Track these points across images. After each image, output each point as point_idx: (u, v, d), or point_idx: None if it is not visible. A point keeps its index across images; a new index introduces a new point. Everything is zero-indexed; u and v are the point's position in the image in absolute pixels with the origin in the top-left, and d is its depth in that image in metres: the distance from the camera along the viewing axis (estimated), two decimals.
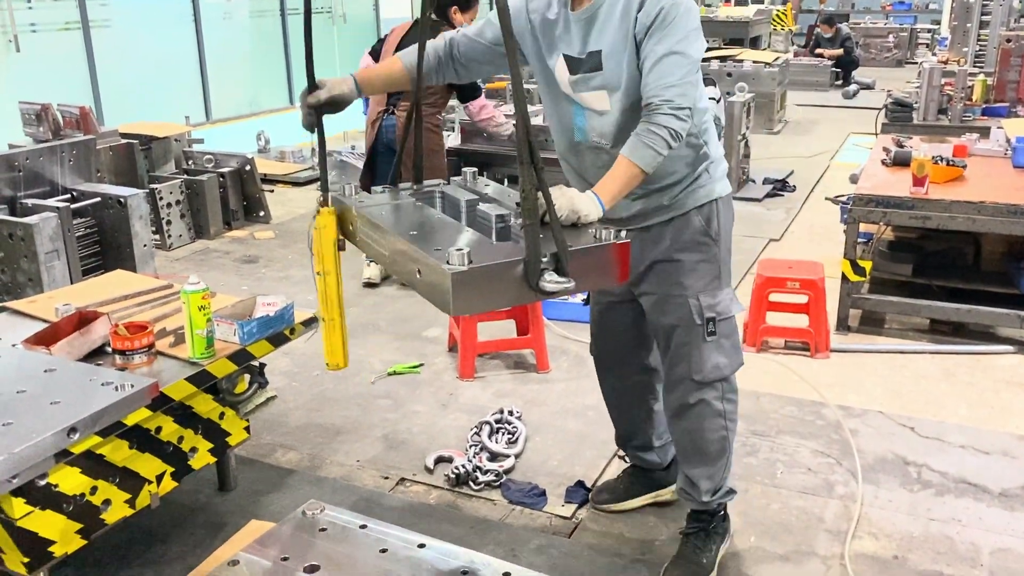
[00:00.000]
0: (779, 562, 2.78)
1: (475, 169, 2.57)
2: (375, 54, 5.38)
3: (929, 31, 16.32)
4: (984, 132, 5.49)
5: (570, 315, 4.64)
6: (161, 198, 5.96)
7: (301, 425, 3.66)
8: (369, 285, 5.26)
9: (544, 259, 1.88)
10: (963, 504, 3.07)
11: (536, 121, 5.40)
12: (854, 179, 6.92)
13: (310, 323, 2.99)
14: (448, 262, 1.83)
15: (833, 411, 3.69)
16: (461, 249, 1.84)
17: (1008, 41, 7.08)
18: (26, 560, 2.26)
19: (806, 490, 3.16)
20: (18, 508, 2.20)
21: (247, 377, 2.98)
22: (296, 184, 7.83)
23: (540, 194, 1.91)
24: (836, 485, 3.19)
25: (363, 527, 2.10)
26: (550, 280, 1.88)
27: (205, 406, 2.81)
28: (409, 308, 4.85)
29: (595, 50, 2.32)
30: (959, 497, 3.11)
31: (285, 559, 1.96)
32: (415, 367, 4.17)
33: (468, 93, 5.29)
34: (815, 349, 4.28)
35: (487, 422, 3.53)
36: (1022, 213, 4.11)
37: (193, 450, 2.78)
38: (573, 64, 2.36)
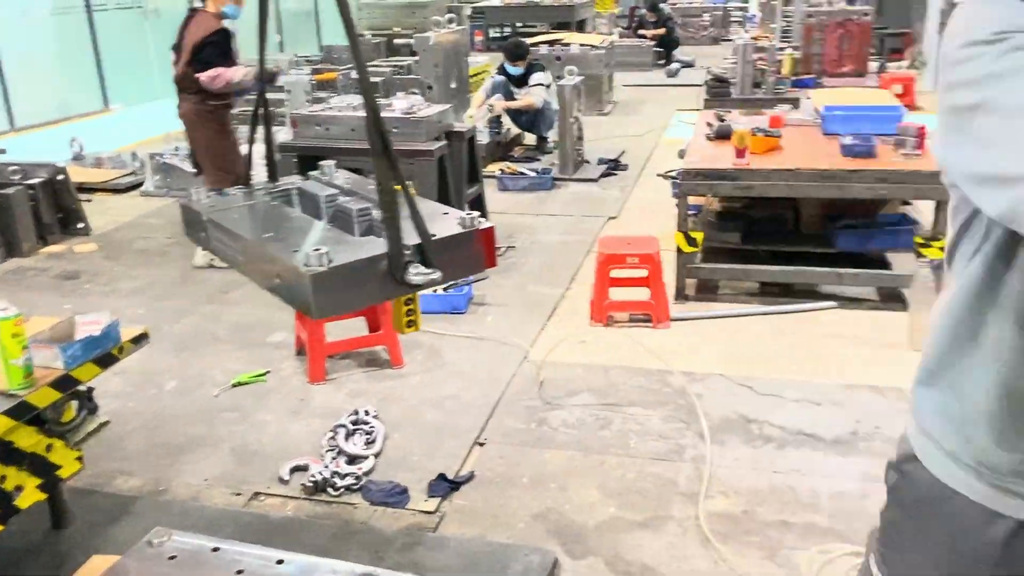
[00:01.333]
0: (639, 529, 2.87)
1: (333, 162, 2.46)
2: (176, 49, 5.25)
3: (740, 9, 17.27)
4: (795, 103, 5.87)
5: (421, 306, 4.58)
6: None
7: (141, 448, 3.44)
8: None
9: (408, 251, 1.84)
10: (801, 454, 3.27)
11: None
12: (682, 154, 7.23)
13: (140, 340, 2.80)
14: (307, 263, 1.75)
15: (678, 378, 3.84)
16: (319, 249, 1.76)
17: (810, 17, 7.59)
18: None
19: (659, 456, 3.28)
20: None
21: (74, 404, 2.76)
22: (116, 191, 7.33)
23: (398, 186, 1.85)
24: (686, 449, 3.33)
25: (216, 550, 1.98)
26: (416, 272, 1.83)
27: (28, 440, 2.58)
28: (250, 314, 4.66)
29: None
30: (798, 448, 3.31)
31: None
32: (261, 375, 4.00)
33: (201, 67, 5.16)
34: (657, 320, 4.44)
35: (342, 424, 3.44)
36: (832, 177, 4.41)
37: (18, 488, 2.55)
38: None
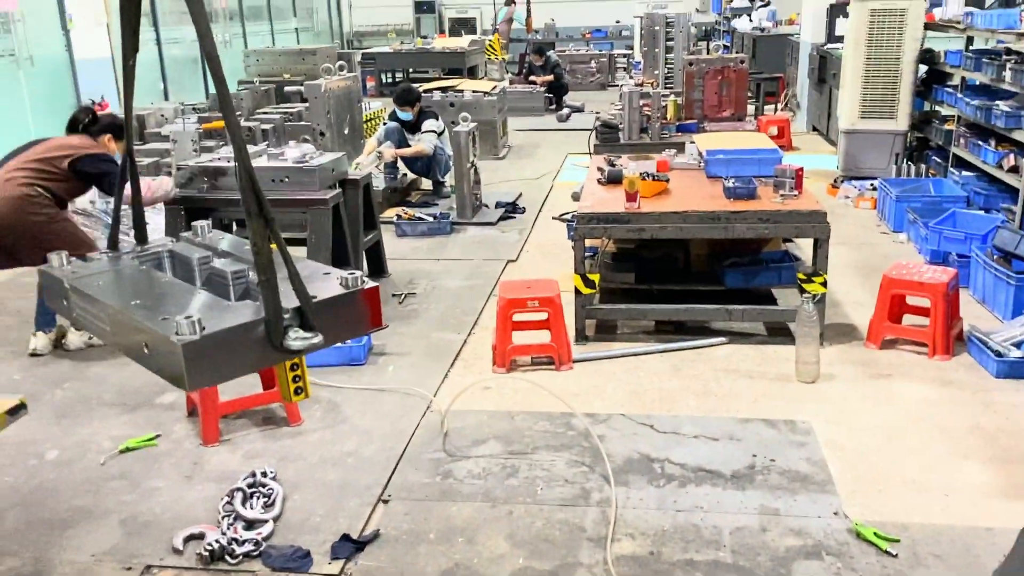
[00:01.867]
0: None
1: (207, 222, 2.39)
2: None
3: (624, 56, 17.89)
4: (680, 147, 6.08)
5: (317, 360, 4.48)
6: None
7: (19, 526, 3.21)
8: (35, 355, 4.79)
9: (287, 315, 1.78)
10: (703, 491, 3.34)
11: (257, 163, 5.19)
12: (576, 197, 7.38)
13: (16, 411, 2.63)
14: (177, 332, 1.67)
15: (581, 420, 3.87)
16: (190, 316, 1.69)
17: (691, 64, 7.92)
18: None
19: (565, 502, 3.28)
20: None
21: None
22: None
23: (275, 246, 1.81)
24: (592, 492, 3.34)
25: None
26: (296, 337, 1.78)
27: None
28: (137, 375, 4.43)
29: None
30: (699, 485, 3.38)
31: None
32: (151, 439, 3.82)
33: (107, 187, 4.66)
34: (559, 362, 4.48)
35: (239, 488, 3.30)
36: (718, 218, 4.58)
37: None
38: None
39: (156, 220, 5.26)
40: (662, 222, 4.64)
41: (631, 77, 10.94)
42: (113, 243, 2.29)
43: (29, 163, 4.54)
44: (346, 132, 8.23)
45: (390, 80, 17.30)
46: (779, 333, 4.81)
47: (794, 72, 12.03)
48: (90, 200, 6.94)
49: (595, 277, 4.81)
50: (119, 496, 3.40)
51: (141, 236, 2.30)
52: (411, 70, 17.14)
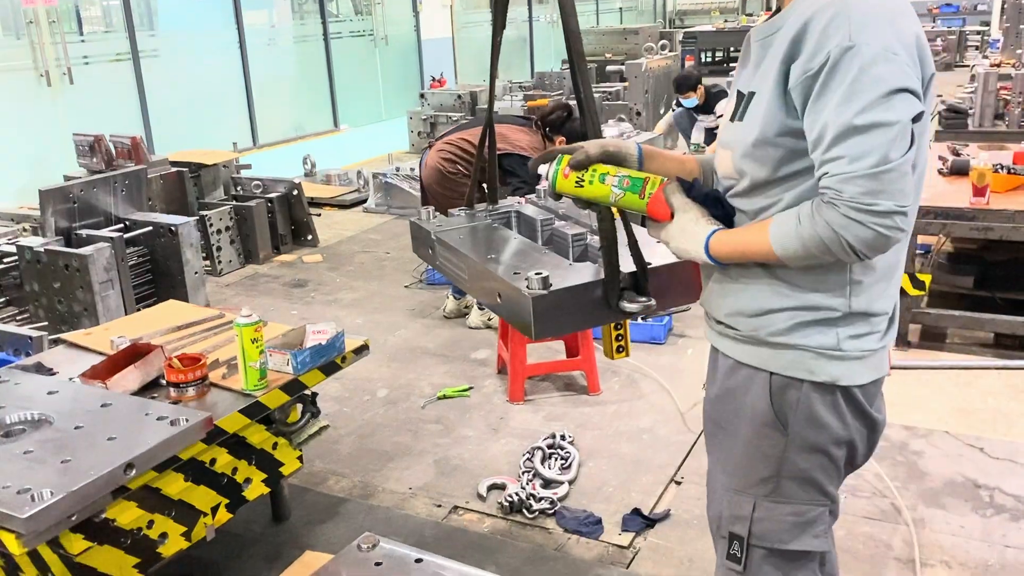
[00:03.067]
0: None
1: None
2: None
3: (979, 33, 15.97)
4: None
5: None
6: (211, 225, 6.04)
7: (352, 452, 3.65)
8: (446, 318, 5.08)
9: (622, 278, 1.86)
10: None
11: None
12: None
13: (360, 351, 2.98)
14: (528, 286, 1.82)
15: (897, 431, 3.57)
16: (540, 272, 1.83)
17: None
18: None
19: (872, 516, 3.05)
20: (77, 544, 2.20)
21: (299, 407, 2.97)
22: (342, 207, 7.89)
23: (617, 213, 1.87)
24: (903, 510, 3.07)
25: (419, 560, 2.05)
26: (630, 300, 1.86)
27: (258, 436, 2.80)
28: (457, 330, 4.83)
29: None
30: None
31: None
32: (464, 391, 4.14)
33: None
34: None
35: (539, 447, 3.48)
36: None
37: (247, 481, 2.78)
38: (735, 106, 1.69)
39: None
40: (1016, 222, 4.09)
41: (985, 57, 9.73)
42: (470, 201, 2.53)
43: (462, 139, 4.73)
44: (662, 112, 8.22)
45: (710, 59, 16.97)
46: None
47: None
48: (395, 168, 7.60)
49: (926, 278, 4.38)
50: (434, 439, 3.72)
51: (493, 197, 2.51)
52: (732, 49, 16.66)
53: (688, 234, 1.66)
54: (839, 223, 1.47)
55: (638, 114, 7.89)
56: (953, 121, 6.69)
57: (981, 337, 4.46)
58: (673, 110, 7.95)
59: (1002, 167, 4.48)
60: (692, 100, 7.69)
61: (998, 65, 8.17)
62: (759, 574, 1.78)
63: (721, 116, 7.57)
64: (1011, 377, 4.05)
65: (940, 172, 4.88)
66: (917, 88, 1.48)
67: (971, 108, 6.69)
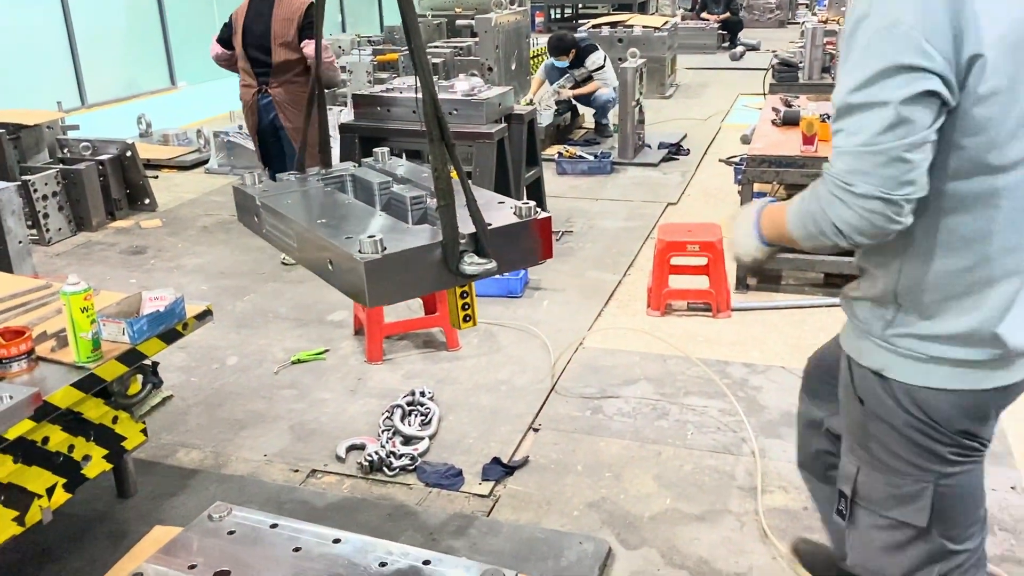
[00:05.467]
0: (695, 522, 2.83)
1: (386, 148, 2.47)
2: (223, 42, 5.24)
3: None
4: None
5: (477, 290, 4.57)
6: (35, 190, 5.59)
7: (202, 422, 3.51)
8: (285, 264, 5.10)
9: (463, 240, 1.81)
10: None
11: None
12: (745, 139, 7.11)
13: (203, 316, 2.85)
14: (360, 250, 1.74)
15: (738, 369, 3.77)
16: (373, 236, 1.75)
17: None
18: None
19: (716, 449, 3.23)
20: None
21: (140, 377, 2.81)
22: (182, 168, 7.48)
23: (454, 173, 1.83)
24: (744, 442, 3.27)
25: (274, 526, 2.01)
26: (470, 262, 1.80)
27: (96, 411, 2.64)
28: (311, 292, 4.71)
29: None
30: None
31: (193, 567, 1.86)
32: (320, 353, 4.05)
33: (305, 33, 4.96)
34: (717, 309, 4.36)
35: (399, 405, 3.46)
36: None
37: (86, 458, 2.62)
38: None
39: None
40: None
41: (814, 14, 10.29)
42: (300, 165, 2.40)
43: None
44: (513, 67, 8.24)
45: (559, 16, 17.10)
46: None
47: None
48: (238, 127, 7.31)
49: None
50: (289, 404, 3.63)
51: (326, 160, 2.39)
52: (580, 5, 16.85)
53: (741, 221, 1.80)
54: (825, 199, 1.48)
55: (490, 69, 7.86)
56: (785, 74, 7.05)
57: (812, 278, 4.77)
58: (545, 61, 8.14)
59: (828, 117, 4.76)
60: (564, 62, 7.89)
61: (824, 22, 8.66)
62: (865, 535, 1.82)
63: (591, 68, 7.75)
64: (839, 314, 4.34)
65: (773, 123, 5.14)
66: (925, 64, 1.37)
67: (801, 62, 7.06)
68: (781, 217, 1.67)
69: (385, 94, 5.38)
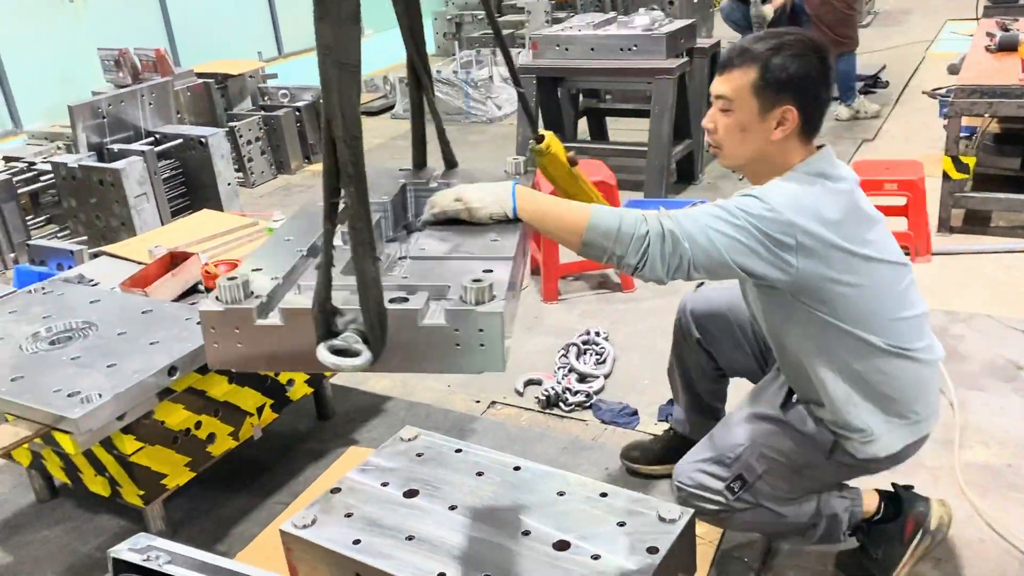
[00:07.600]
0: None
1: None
2: None
3: None
4: None
5: None
6: (240, 136, 6.02)
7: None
8: None
9: (344, 316, 1.35)
10: None
11: (606, 30, 5.18)
12: (953, 69, 6.49)
13: None
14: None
15: (938, 316, 3.52)
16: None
17: None
18: (141, 493, 2.37)
19: None
20: (129, 444, 2.29)
21: None
22: (370, 114, 7.81)
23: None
24: (942, 393, 3.06)
25: (459, 451, 2.11)
26: (331, 347, 1.34)
27: None
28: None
29: None
30: None
31: (385, 484, 1.99)
32: None
33: None
34: (916, 252, 4.07)
35: (574, 343, 3.50)
36: None
37: (290, 382, 2.85)
38: None
39: None
40: None
41: None
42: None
43: None
44: (696, 0, 7.91)
45: None
46: None
47: None
48: (453, 70, 7.46)
49: (970, 160, 4.24)
50: None
51: (419, 158, 2.21)
52: None
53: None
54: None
55: (671, 3, 7.59)
56: None
57: None
58: None
59: None
60: None
61: None
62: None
63: None
64: None
65: (987, 49, 4.67)
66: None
67: None
68: (569, 209, 1.88)
69: (563, 33, 5.35)
